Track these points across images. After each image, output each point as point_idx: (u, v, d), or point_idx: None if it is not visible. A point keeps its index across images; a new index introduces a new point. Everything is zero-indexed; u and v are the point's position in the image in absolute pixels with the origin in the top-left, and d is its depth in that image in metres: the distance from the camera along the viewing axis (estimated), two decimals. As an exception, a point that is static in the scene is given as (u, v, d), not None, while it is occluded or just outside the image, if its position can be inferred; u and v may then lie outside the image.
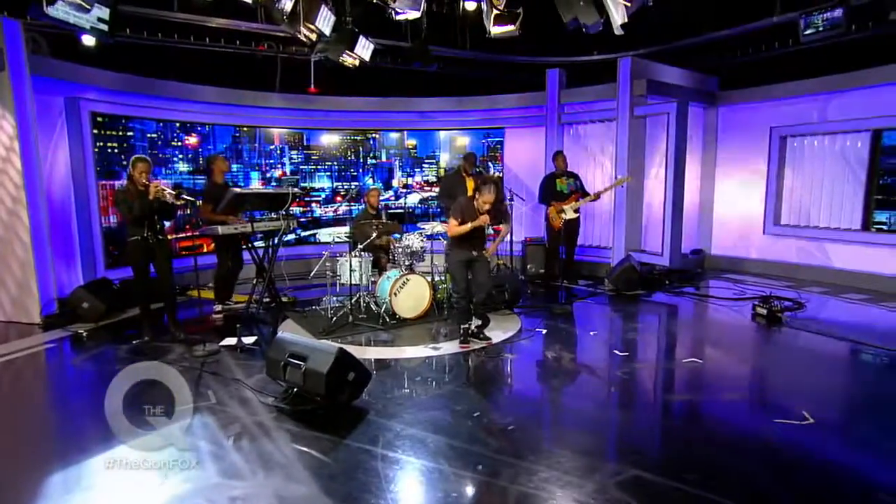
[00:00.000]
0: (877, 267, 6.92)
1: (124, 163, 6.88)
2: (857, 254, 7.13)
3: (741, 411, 3.70)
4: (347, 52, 5.74)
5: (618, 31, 4.63)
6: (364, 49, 5.94)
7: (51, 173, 6.15)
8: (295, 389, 3.77)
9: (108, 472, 2.95)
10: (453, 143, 9.39)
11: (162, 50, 7.85)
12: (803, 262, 7.71)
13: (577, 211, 7.13)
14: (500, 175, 8.79)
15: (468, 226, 4.72)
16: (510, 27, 5.13)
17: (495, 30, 5.15)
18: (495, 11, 4.99)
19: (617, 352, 4.80)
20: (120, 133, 6.97)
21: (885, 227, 6.98)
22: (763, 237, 8.17)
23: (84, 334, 5.41)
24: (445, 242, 5.27)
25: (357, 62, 6.09)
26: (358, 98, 9.01)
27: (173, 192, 4.95)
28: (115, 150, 6.91)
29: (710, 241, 8.77)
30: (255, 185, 8.47)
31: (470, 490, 2.72)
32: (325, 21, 5.10)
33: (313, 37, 5.27)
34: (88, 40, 6.21)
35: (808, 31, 6.71)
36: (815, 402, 3.72)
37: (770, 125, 7.91)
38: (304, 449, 3.13)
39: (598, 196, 7.12)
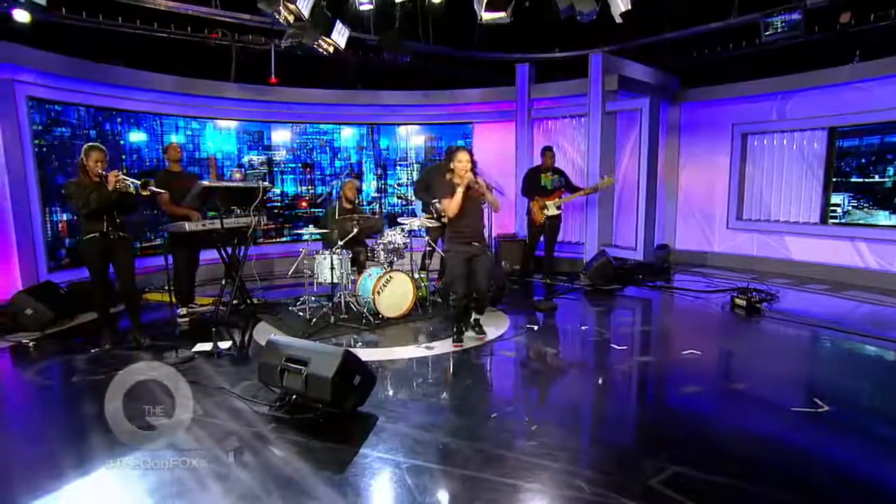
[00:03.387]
0: (834, 259, 7.25)
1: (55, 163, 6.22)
2: (816, 246, 7.45)
3: (756, 400, 3.68)
4: (324, 37, 5.40)
5: (618, 19, 4.58)
6: (340, 35, 5.63)
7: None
8: (293, 396, 3.45)
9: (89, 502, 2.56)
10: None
11: (104, 34, 7.20)
12: (765, 255, 8.00)
13: (559, 208, 7.07)
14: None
15: (459, 192, 4.41)
16: (502, 13, 4.98)
17: (486, 15, 4.99)
18: (487, -4, 4.82)
19: (615, 346, 4.74)
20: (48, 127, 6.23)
21: (838, 211, 7.30)
22: (726, 231, 8.42)
23: (31, 345, 4.81)
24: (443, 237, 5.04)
25: (332, 49, 5.76)
26: (321, 90, 8.63)
27: (138, 182, 4.46)
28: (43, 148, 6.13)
29: (675, 235, 8.98)
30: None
31: (511, 496, 2.52)
32: (305, 2, 4.76)
33: (291, 19, 4.91)
34: (21, 16, 5.62)
35: (768, 32, 6.96)
36: (819, 389, 3.79)
37: (732, 122, 8.17)
38: (318, 461, 2.84)
39: (594, 190, 7.11)
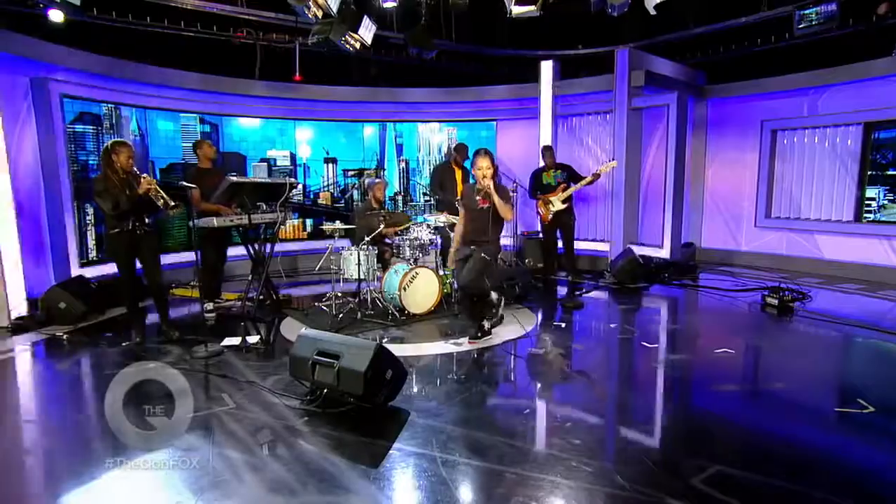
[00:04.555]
0: (869, 257, 7.06)
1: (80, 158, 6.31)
2: (849, 245, 7.26)
3: (796, 400, 3.58)
4: (351, 33, 5.40)
5: (651, 11, 4.50)
6: (367, 31, 5.62)
7: (16, 162, 5.55)
8: (324, 390, 3.44)
9: (124, 494, 2.57)
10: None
11: (132, 33, 7.30)
12: (795, 253, 7.82)
13: (566, 202, 6.94)
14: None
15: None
16: (531, 7, 4.93)
17: (516, 9, 4.94)
18: (516, -10, 4.78)
19: (645, 344, 4.66)
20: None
21: (873, 205, 7.12)
22: (754, 230, 8.26)
23: (64, 337, 4.88)
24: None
25: (358, 45, 5.75)
26: (345, 87, 8.66)
27: (171, 203, 4.48)
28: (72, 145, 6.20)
29: (700, 234, 8.83)
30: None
31: (551, 493, 2.48)
32: (333, -3, 4.76)
33: (319, 14, 4.92)
34: (56, 16, 5.69)
35: (801, 25, 6.79)
36: (861, 390, 3.67)
37: (761, 119, 8.00)
38: (352, 455, 2.82)
39: (597, 176, 6.78)
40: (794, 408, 3.48)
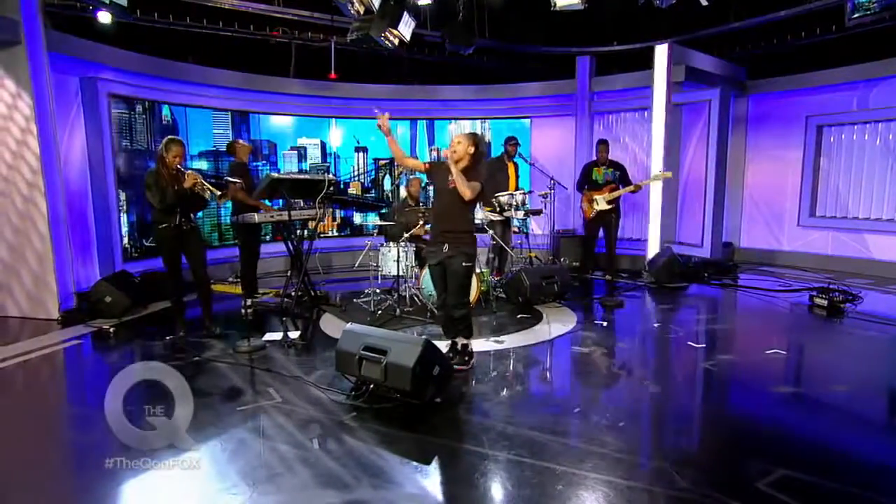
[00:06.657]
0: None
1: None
2: (902, 245, 6.99)
3: (859, 404, 3.43)
4: (391, 29, 5.40)
5: (703, 2, 4.39)
6: (406, 27, 5.61)
7: (66, 159, 5.70)
8: (370, 386, 3.43)
9: (177, 485, 2.59)
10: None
11: (173, 33, 7.45)
12: (841, 253, 7.56)
13: (611, 202, 6.83)
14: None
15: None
16: (575, 0, 4.86)
17: (561, 2, 4.87)
18: (561, -17, 4.72)
19: (692, 344, 4.55)
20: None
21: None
22: (797, 229, 8.01)
23: (111, 330, 4.98)
24: None
25: (397, 41, 5.74)
26: (379, 85, 8.69)
27: (217, 192, 4.54)
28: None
29: (739, 233, 8.60)
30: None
31: (608, 494, 2.41)
32: (376, -7, 4.77)
33: (361, 10, 4.93)
34: (104, 17, 5.81)
35: (855, 15, 6.52)
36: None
37: (806, 114, 7.76)
38: (403, 451, 2.80)
39: (638, 188, 6.83)
40: (857, 412, 3.34)
